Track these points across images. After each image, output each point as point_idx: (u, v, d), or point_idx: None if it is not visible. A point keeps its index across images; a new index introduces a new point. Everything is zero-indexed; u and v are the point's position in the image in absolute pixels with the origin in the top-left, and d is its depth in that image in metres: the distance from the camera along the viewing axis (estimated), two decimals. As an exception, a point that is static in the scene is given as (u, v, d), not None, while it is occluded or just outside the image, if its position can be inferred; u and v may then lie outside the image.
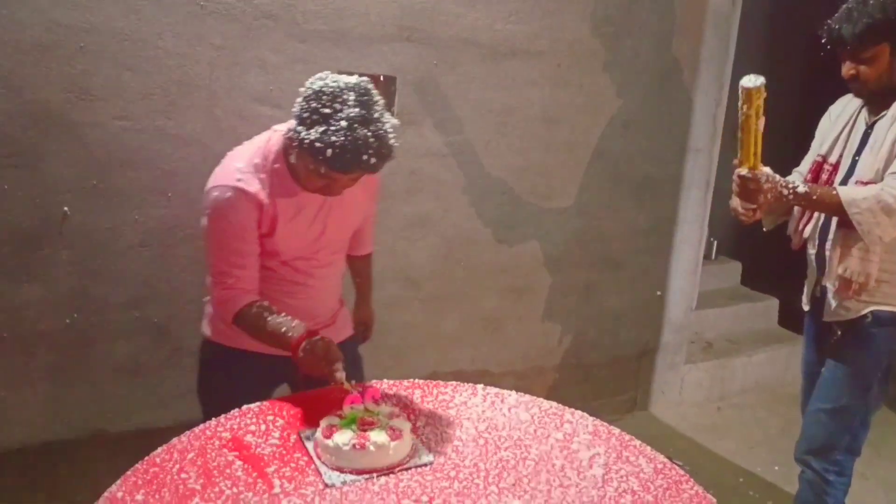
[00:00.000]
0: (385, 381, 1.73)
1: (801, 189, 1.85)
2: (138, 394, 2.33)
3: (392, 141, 1.50)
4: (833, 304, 2.01)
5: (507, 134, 2.72)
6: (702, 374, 3.54)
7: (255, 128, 1.84)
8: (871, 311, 1.94)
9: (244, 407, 1.57)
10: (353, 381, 1.55)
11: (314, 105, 1.46)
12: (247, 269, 1.66)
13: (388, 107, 2.42)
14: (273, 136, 1.67)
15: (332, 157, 1.45)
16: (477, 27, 2.54)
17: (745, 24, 3.20)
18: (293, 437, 1.46)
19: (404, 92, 2.47)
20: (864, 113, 2.00)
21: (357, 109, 1.45)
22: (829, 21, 1.88)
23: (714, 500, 1.31)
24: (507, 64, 2.63)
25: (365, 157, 1.46)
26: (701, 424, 3.33)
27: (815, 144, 2.15)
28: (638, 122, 2.97)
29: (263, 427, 1.49)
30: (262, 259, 1.69)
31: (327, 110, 1.45)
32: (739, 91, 1.74)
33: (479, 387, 1.71)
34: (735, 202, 1.96)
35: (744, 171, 1.84)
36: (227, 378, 1.80)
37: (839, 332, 2.00)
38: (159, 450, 1.39)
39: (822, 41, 1.90)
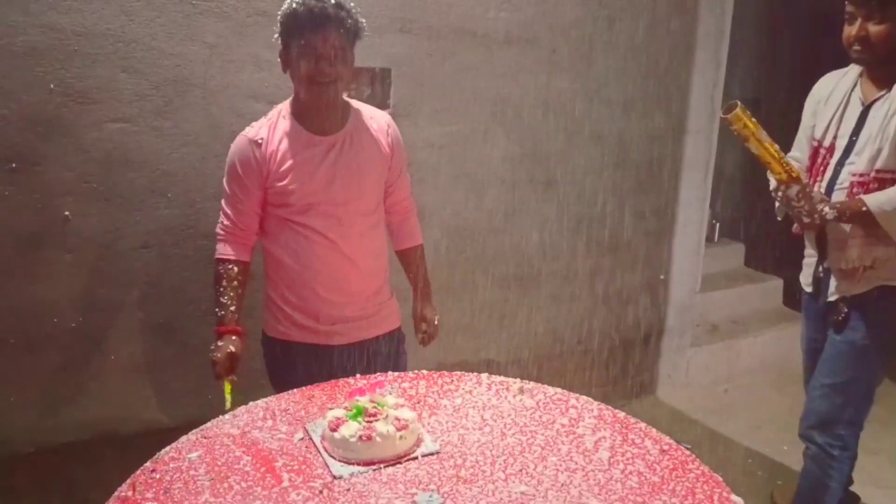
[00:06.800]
0: (390, 373, 1.74)
1: (830, 215, 1.87)
2: (146, 393, 2.35)
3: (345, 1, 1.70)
4: (839, 284, 2.00)
5: (503, 122, 2.71)
6: (708, 356, 3.54)
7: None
8: (878, 287, 1.94)
9: (250, 404, 1.58)
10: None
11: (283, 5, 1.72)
12: (240, 215, 1.80)
13: (384, 98, 2.44)
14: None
15: (292, 15, 1.66)
16: (471, 16, 2.53)
17: (739, 2, 3.18)
18: (300, 432, 1.47)
19: (400, 83, 2.47)
20: (858, 92, 1.96)
21: None
22: None
23: (720, 478, 1.32)
24: (502, 52, 2.62)
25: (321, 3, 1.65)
26: (708, 407, 3.33)
27: (804, 127, 2.13)
28: (636, 104, 2.95)
29: (270, 423, 1.50)
30: (279, 209, 1.79)
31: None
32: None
33: (484, 376, 1.72)
34: (798, 224, 2.01)
35: (792, 190, 1.88)
36: (289, 372, 1.86)
37: (846, 309, 2.00)
38: (168, 448, 1.40)
39: None
